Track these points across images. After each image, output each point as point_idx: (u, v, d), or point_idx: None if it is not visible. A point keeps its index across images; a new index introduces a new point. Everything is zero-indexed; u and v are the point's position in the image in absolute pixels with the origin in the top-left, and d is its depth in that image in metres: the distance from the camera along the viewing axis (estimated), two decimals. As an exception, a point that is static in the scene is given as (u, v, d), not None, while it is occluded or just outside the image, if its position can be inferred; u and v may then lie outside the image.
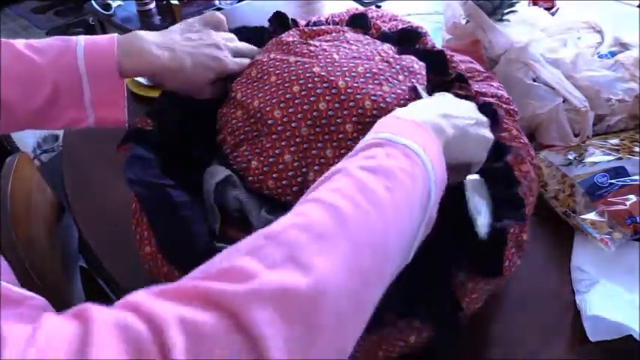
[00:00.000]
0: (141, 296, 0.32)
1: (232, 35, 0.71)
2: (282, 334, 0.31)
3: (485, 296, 0.57)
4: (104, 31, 2.40)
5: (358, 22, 0.73)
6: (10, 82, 0.59)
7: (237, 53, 0.69)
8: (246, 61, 0.69)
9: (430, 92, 0.60)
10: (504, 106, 0.64)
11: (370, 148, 0.43)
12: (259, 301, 0.31)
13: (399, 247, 0.40)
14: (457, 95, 0.58)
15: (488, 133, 0.53)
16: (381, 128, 0.45)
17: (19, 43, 0.60)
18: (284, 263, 0.33)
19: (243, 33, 0.74)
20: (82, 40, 0.61)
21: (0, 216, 0.77)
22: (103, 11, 2.30)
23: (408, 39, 0.71)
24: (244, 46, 0.71)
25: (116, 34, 0.63)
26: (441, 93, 0.57)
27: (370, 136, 0.45)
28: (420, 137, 0.44)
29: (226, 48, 0.68)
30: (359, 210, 0.37)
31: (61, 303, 0.40)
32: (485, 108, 0.57)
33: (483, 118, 0.54)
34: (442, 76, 0.66)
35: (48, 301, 0.35)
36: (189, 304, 0.31)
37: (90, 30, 2.77)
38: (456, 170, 0.49)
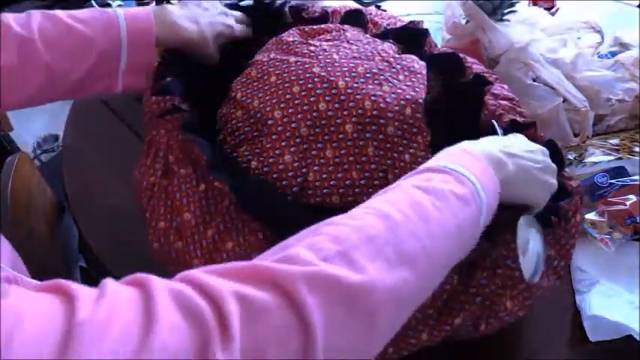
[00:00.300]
0: (195, 273, 0.33)
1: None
2: (329, 320, 0.32)
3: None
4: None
5: (354, 18, 0.73)
6: (59, 53, 0.61)
7: (237, 20, 0.75)
8: (246, 28, 0.75)
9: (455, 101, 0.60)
10: (518, 109, 0.65)
11: (426, 173, 0.45)
12: (313, 285, 0.32)
13: (442, 263, 0.41)
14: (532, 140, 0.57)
15: (552, 180, 0.53)
16: (441, 156, 0.47)
17: (62, 14, 0.62)
18: (337, 258, 0.35)
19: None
20: (120, 12, 0.64)
21: (0, 216, 0.78)
22: (103, 11, 2.29)
23: (413, 38, 0.71)
24: (239, 13, 0.77)
25: (150, 6, 0.67)
26: (515, 134, 0.57)
27: (429, 163, 0.46)
28: (476, 167, 0.45)
29: (230, 14, 0.74)
30: (408, 221, 0.39)
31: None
32: (554, 154, 0.56)
33: (552, 165, 0.54)
34: (457, 77, 0.66)
35: None
36: (243, 282, 0.32)
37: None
38: (514, 209, 0.50)
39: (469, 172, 0.44)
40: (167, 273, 0.34)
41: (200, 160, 0.57)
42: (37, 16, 0.61)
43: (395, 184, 0.44)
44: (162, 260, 0.58)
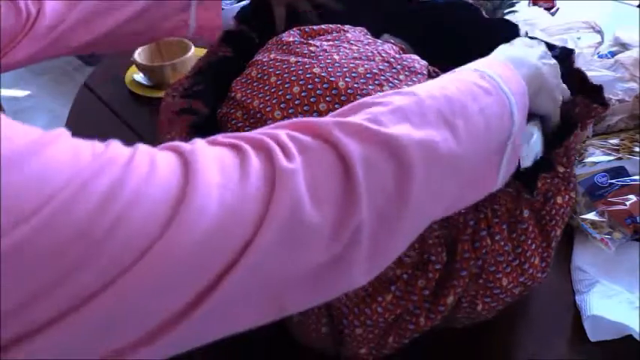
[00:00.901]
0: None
1: None
2: (365, 157, 0.35)
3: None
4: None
5: None
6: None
7: None
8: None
9: None
10: None
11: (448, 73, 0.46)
12: (345, 130, 0.36)
13: (469, 141, 0.41)
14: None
15: (566, 89, 0.55)
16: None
17: None
18: (365, 119, 0.37)
19: None
20: None
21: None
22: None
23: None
24: None
25: None
26: (540, 41, 0.57)
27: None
28: (500, 69, 0.46)
29: None
30: (433, 99, 0.40)
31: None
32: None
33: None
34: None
35: None
36: (298, 130, 0.37)
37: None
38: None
39: (490, 70, 0.45)
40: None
41: None
42: None
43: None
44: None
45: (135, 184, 0.28)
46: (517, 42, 0.55)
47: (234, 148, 0.34)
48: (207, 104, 0.63)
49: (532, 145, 0.52)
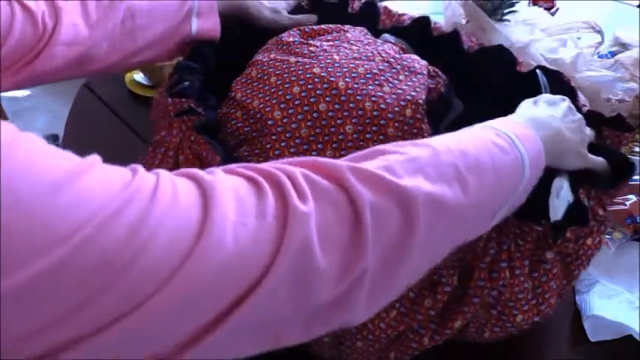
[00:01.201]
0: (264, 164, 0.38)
1: None
2: (375, 205, 0.36)
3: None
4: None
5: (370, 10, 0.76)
6: (158, 19, 0.67)
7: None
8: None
9: None
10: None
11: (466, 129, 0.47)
12: (359, 176, 0.37)
13: (480, 197, 0.42)
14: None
15: (585, 152, 0.54)
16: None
17: None
18: (379, 167, 0.38)
19: None
20: None
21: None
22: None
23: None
24: None
25: None
26: (563, 98, 0.57)
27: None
28: (515, 127, 0.47)
29: None
30: (449, 152, 0.41)
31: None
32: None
33: (589, 133, 0.56)
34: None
35: None
36: (304, 167, 0.37)
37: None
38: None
39: (506, 129, 0.46)
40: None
41: (212, 162, 0.56)
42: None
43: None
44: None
45: (159, 214, 0.30)
46: (541, 100, 0.56)
47: (252, 181, 0.35)
48: (200, 101, 0.62)
49: (562, 198, 0.52)
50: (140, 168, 0.33)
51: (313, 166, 0.38)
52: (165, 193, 0.31)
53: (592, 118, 0.59)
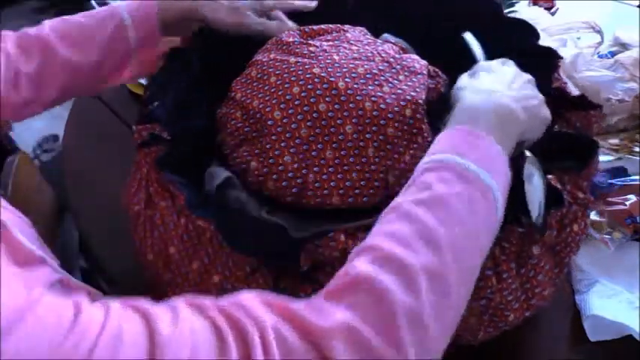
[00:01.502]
0: (247, 298, 0.36)
1: None
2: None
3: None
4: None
5: None
6: (74, 46, 0.65)
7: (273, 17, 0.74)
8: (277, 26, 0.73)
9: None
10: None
11: (425, 174, 0.44)
12: (338, 341, 0.34)
13: (462, 280, 0.40)
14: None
15: (548, 113, 0.52)
16: (443, 141, 0.46)
17: (74, 17, 0.67)
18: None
19: None
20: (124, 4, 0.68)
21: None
22: (102, 11, 2.29)
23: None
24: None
25: None
26: (505, 60, 0.55)
27: (426, 158, 0.45)
28: (480, 151, 0.44)
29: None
30: (418, 256, 0.38)
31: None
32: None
33: (541, 96, 0.53)
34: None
35: None
36: (283, 320, 0.35)
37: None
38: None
39: (471, 163, 0.42)
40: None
41: (180, 198, 0.54)
42: (47, 21, 0.66)
43: (395, 202, 0.43)
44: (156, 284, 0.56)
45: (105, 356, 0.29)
46: (480, 70, 0.53)
47: (217, 332, 0.33)
48: (167, 126, 0.59)
49: (535, 184, 0.50)
50: (88, 306, 0.32)
51: (290, 318, 0.35)
52: (110, 337, 0.30)
53: (556, 100, 0.59)
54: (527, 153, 0.51)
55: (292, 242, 0.49)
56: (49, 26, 0.66)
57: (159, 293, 0.54)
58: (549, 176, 0.53)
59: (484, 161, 0.43)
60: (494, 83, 0.51)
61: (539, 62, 0.62)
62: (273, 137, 0.58)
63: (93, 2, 2.34)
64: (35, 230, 0.51)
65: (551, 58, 0.64)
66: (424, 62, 0.65)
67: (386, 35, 0.73)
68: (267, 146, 0.58)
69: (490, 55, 0.61)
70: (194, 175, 0.57)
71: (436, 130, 0.62)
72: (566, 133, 0.58)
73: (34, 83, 0.64)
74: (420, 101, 0.59)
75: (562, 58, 0.65)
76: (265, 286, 0.50)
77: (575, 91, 0.61)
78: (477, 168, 0.42)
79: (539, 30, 0.93)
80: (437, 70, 0.66)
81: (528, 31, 0.69)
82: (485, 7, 0.73)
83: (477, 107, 0.48)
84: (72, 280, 0.50)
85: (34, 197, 0.89)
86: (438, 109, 0.65)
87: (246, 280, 0.51)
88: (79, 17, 0.67)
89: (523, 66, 0.57)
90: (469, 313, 0.52)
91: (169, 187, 0.55)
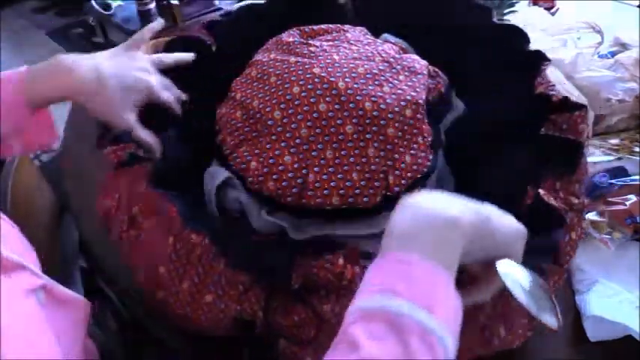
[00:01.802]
0: None
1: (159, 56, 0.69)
2: None
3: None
4: (104, 32, 2.40)
5: None
6: None
7: (166, 86, 0.67)
8: (178, 94, 0.67)
9: None
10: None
11: (352, 327, 0.37)
12: None
13: None
14: None
15: (519, 225, 0.45)
16: (368, 281, 0.39)
17: None
18: None
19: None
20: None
21: None
22: (102, 11, 2.29)
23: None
24: (173, 57, 0.69)
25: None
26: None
27: (354, 304, 0.39)
28: (410, 280, 0.38)
29: (154, 72, 0.66)
30: None
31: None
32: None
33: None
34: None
35: None
36: None
37: (90, 30, 2.77)
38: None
39: (404, 302, 0.37)
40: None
41: (169, 212, 0.53)
42: None
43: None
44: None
45: None
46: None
47: None
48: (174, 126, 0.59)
49: (514, 280, 0.44)
50: None
51: None
52: None
53: (541, 104, 0.59)
54: (498, 265, 0.44)
55: (287, 255, 0.48)
56: None
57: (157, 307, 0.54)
58: (540, 191, 0.52)
59: (421, 295, 0.37)
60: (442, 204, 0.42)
61: (528, 65, 0.63)
62: (273, 137, 0.58)
63: (93, 2, 2.34)
64: (19, 230, 0.50)
65: (538, 60, 0.64)
66: (424, 62, 0.65)
67: (386, 35, 0.73)
68: (267, 146, 0.58)
69: (482, 62, 0.61)
70: (186, 187, 0.57)
71: (436, 130, 0.63)
72: (552, 136, 0.58)
73: None
74: (420, 101, 0.59)
75: (550, 60, 0.65)
76: (257, 305, 0.50)
77: (563, 92, 0.61)
78: (410, 308, 0.36)
79: (539, 30, 0.94)
80: (437, 70, 0.66)
81: (519, 36, 0.69)
82: (477, 15, 0.73)
83: (407, 223, 0.41)
84: (56, 288, 0.48)
85: (34, 197, 0.89)
86: (438, 109, 0.65)
87: (239, 299, 0.50)
88: None
89: (511, 70, 0.57)
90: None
91: (155, 205, 0.53)
